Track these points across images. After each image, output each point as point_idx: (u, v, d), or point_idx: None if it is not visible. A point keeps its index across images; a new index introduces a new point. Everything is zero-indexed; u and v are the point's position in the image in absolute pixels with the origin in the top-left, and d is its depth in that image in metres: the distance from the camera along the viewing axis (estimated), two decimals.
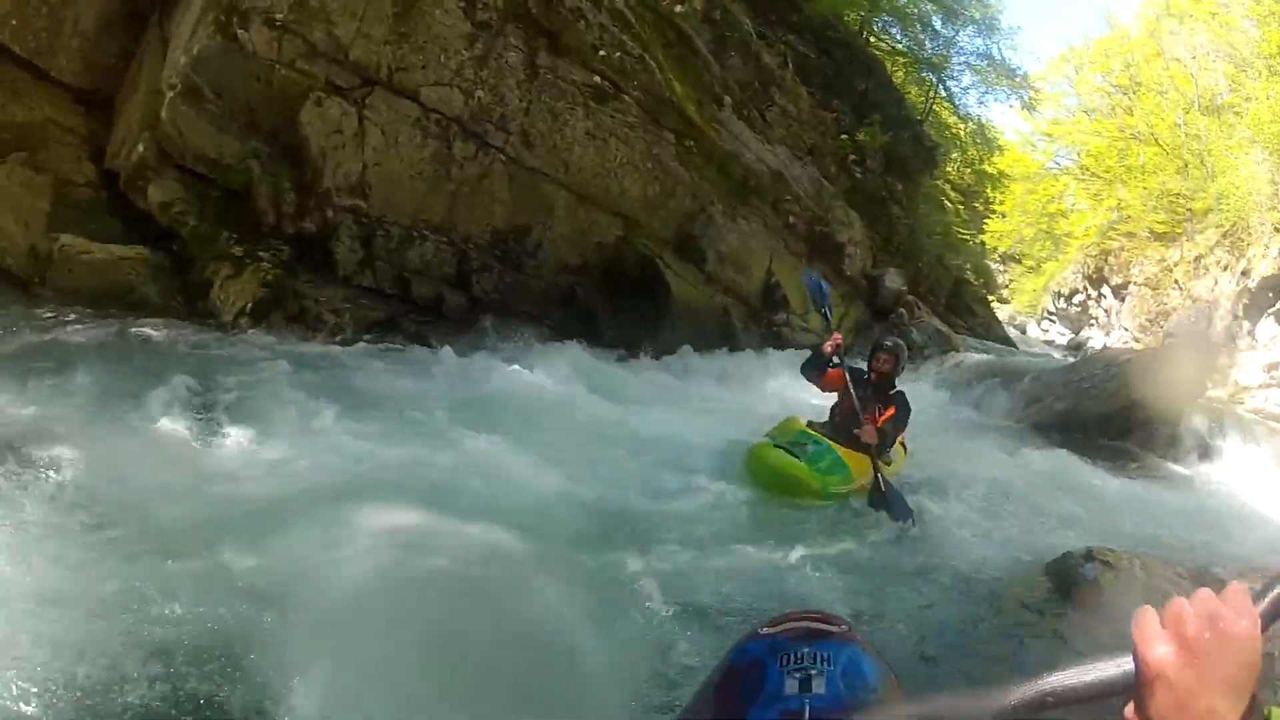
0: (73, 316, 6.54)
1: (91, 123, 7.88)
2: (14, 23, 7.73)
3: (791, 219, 11.92)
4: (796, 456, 4.71)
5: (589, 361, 7.69)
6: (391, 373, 6.35)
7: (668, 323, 8.79)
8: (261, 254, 7.24)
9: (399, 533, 3.17)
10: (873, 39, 21.18)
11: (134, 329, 6.43)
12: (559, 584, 2.96)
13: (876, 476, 4.76)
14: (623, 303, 8.48)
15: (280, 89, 7.28)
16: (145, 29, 8.04)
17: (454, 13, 7.83)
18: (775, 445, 4.84)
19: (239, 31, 7.04)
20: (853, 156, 15.67)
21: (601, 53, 8.68)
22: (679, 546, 3.82)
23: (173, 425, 4.32)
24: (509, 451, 4.58)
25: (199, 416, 4.55)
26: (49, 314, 6.55)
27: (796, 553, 3.92)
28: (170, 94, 7.11)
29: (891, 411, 4.96)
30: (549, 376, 6.82)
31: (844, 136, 15.50)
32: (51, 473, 3.44)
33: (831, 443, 4.88)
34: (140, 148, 7.29)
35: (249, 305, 6.95)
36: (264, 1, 7.11)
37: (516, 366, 6.90)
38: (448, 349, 7.00)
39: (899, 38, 22.42)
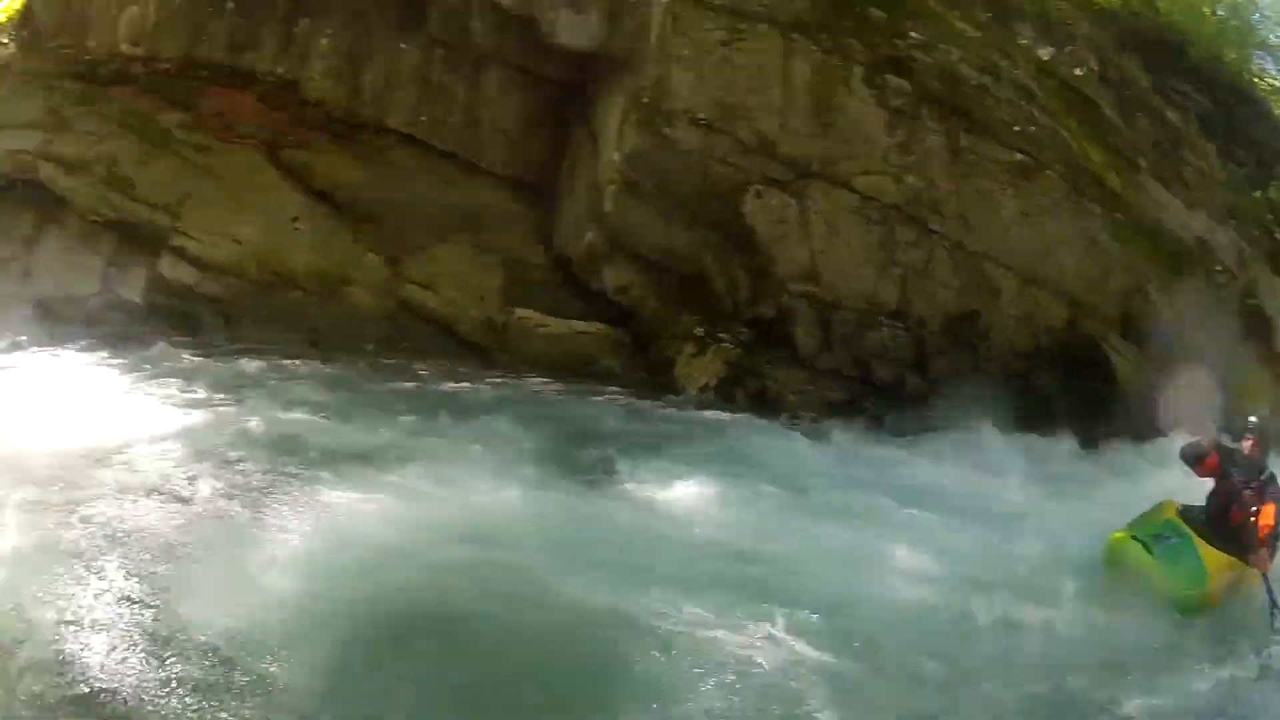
0: (529, 381, 7.61)
1: (533, 209, 9.13)
2: (423, 119, 9.44)
3: (1222, 292, 10.76)
4: (1150, 551, 4.26)
5: (1044, 449, 7.36)
6: (846, 455, 6.49)
7: (1118, 408, 8.19)
8: (722, 335, 7.90)
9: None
10: (1255, 79, 19.01)
11: (593, 396, 7.29)
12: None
13: (1269, 595, 4.15)
14: (1074, 386, 8.06)
15: (718, 182, 7.93)
16: (569, 125, 9.14)
17: (867, 101, 8.18)
18: (1132, 536, 4.48)
19: (665, 130, 7.80)
20: (1269, 215, 13.96)
21: (1016, 127, 8.59)
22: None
23: (633, 485, 4.94)
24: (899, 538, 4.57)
25: (648, 480, 5.06)
26: (502, 377, 7.65)
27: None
28: (610, 188, 7.98)
29: (1271, 509, 4.33)
30: (1002, 469, 6.56)
31: (1257, 194, 13.89)
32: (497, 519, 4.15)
33: (1196, 537, 4.32)
34: (589, 235, 8.26)
35: (713, 382, 7.54)
36: (684, 102, 7.82)
37: (967, 460, 6.72)
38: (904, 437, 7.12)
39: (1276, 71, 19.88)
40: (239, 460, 5.06)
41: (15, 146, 10.30)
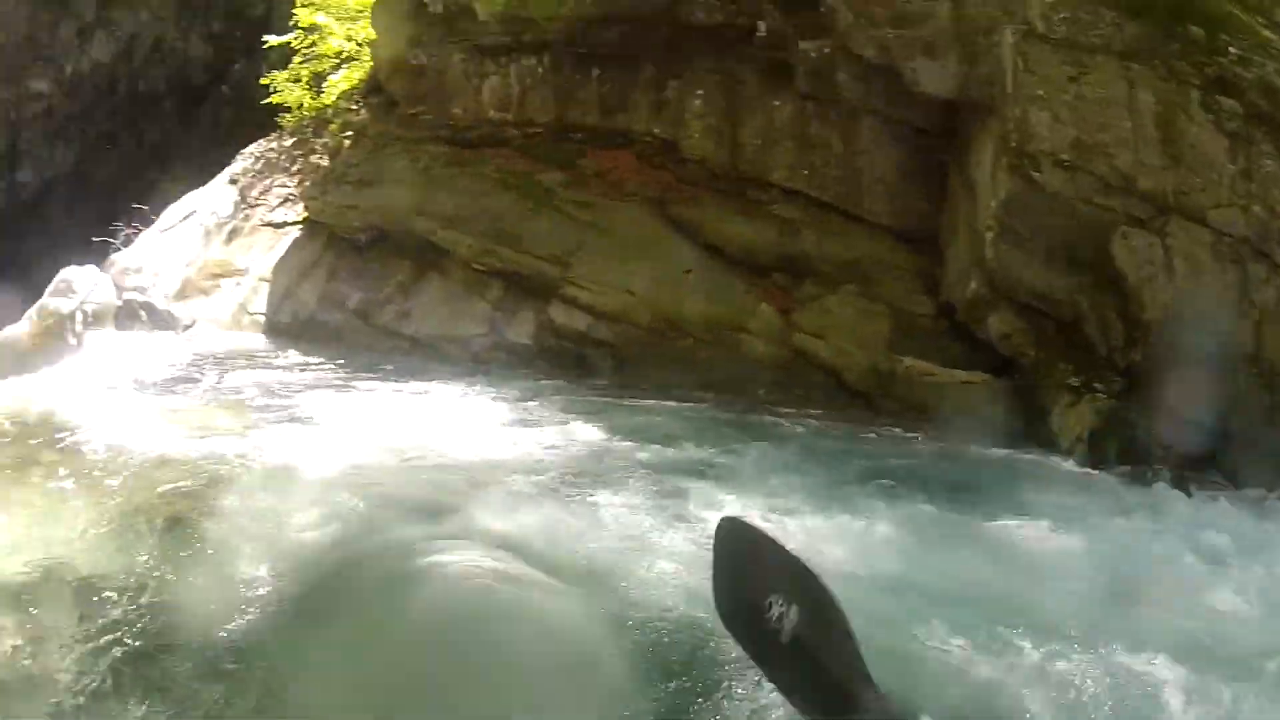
0: (910, 427, 7.76)
1: (918, 259, 9.25)
2: (805, 172, 9.75)
3: None
4: None
5: None
6: (1210, 511, 6.13)
7: None
8: (1096, 385, 7.58)
9: None
10: None
11: (972, 445, 7.24)
12: None
13: None
14: None
15: (1087, 224, 7.76)
16: (944, 174, 9.25)
17: (1205, 127, 7.81)
18: None
19: (1033, 174, 7.76)
20: None
21: None
22: None
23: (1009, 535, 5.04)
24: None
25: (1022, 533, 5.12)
26: (887, 423, 7.92)
27: None
28: (989, 235, 8.00)
29: None
30: None
31: None
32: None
33: None
34: (972, 284, 8.27)
35: (1085, 434, 7.23)
36: (1045, 143, 7.79)
37: None
38: None
39: None
40: (628, 489, 5.34)
41: (385, 203, 11.16)
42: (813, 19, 9.48)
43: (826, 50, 9.40)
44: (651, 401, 8.23)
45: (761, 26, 10.16)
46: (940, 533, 5.17)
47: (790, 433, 7.60)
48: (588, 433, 6.85)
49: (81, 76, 20.52)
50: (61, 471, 5.48)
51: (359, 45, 14.26)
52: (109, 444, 5.97)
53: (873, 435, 7.69)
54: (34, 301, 11.61)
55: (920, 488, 5.91)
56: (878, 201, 9.50)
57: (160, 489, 5.10)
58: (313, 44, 14.64)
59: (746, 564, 2.69)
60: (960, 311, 8.58)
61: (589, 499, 5.11)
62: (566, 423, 7.12)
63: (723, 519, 2.94)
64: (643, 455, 6.30)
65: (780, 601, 2.46)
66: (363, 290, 11.05)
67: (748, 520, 2.92)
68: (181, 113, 20.88)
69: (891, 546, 4.82)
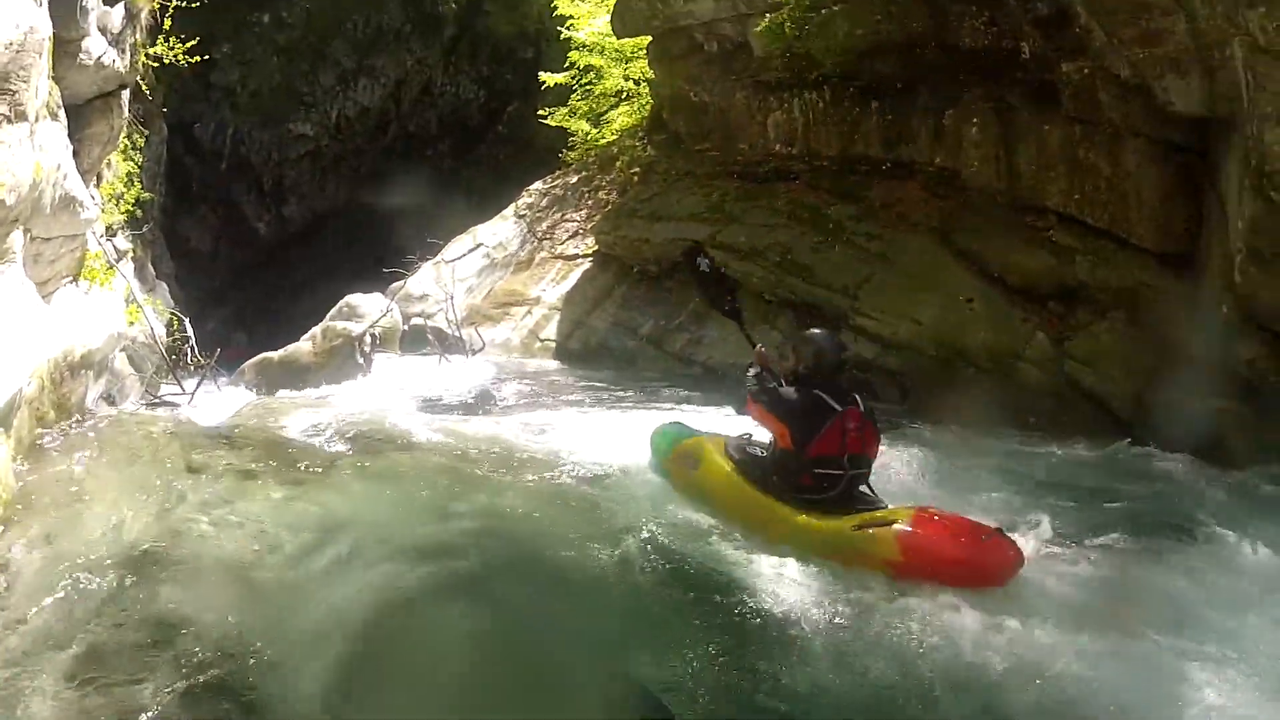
0: (1166, 458, 8.46)
1: (1181, 284, 10.02)
2: (1077, 196, 10.86)
3: None
4: None
5: None
6: None
7: None
8: None
9: None
10: None
11: (1216, 475, 7.97)
12: None
13: None
14: None
15: None
16: (1201, 195, 9.99)
17: None
18: None
19: (1271, 194, 8.22)
20: None
21: None
22: None
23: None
24: None
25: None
26: (1144, 451, 8.69)
27: None
28: (1237, 258, 8.64)
29: None
30: None
31: None
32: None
33: None
34: (1224, 309, 9.03)
35: None
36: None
37: None
38: None
39: None
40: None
41: (677, 235, 13.66)
42: (1072, 39, 10.54)
43: (1086, 71, 10.43)
44: (930, 430, 9.41)
45: (1025, 48, 11.52)
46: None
47: (1061, 461, 8.46)
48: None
49: (347, 120, 25.26)
50: (370, 466, 6.72)
51: (636, 84, 17.51)
52: (412, 447, 7.39)
53: (1136, 464, 8.40)
54: (306, 324, 14.63)
55: (1165, 509, 6.55)
56: (1144, 225, 10.40)
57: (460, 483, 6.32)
58: (589, 83, 18.10)
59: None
60: (1214, 337, 9.13)
61: None
62: None
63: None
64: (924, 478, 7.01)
65: None
66: (655, 318, 13.53)
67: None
68: (456, 152, 25.38)
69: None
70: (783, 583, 4.46)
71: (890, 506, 4.73)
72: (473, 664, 3.91)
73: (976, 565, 4.17)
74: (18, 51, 4.47)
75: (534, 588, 4.66)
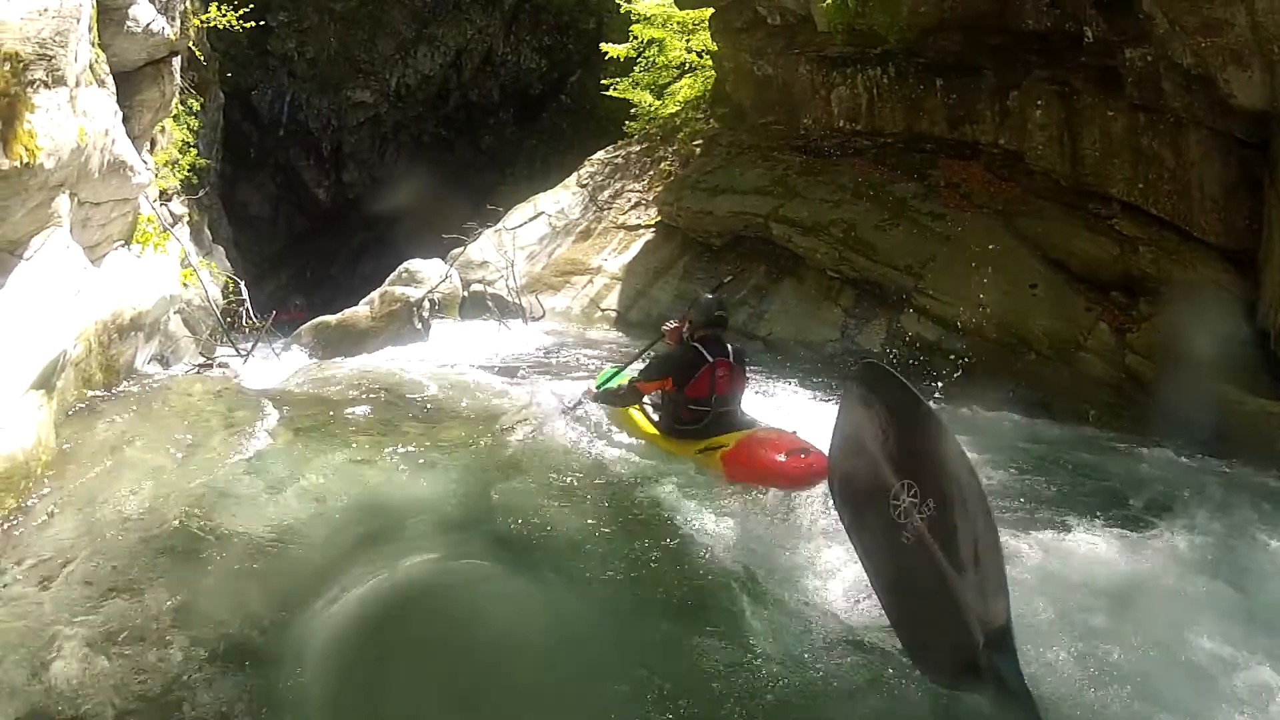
0: (1222, 461, 8.20)
1: (1241, 281, 9.98)
2: (1140, 185, 10.76)
3: None
4: None
5: None
6: None
7: None
8: None
9: None
10: None
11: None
12: None
13: None
14: None
15: None
16: (1263, 192, 9.92)
17: None
18: None
19: None
20: None
21: None
22: None
23: None
24: None
25: None
26: (1200, 451, 8.42)
27: None
28: None
29: None
30: None
31: None
32: None
33: None
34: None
35: None
36: None
37: None
38: None
39: None
40: None
41: (741, 209, 13.82)
42: (1135, 25, 10.06)
43: (1150, 58, 10.38)
44: (990, 415, 9.15)
45: (1088, 32, 11.48)
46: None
47: (1112, 456, 8.25)
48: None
49: (407, 88, 25.63)
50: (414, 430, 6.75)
51: (699, 56, 17.67)
52: (462, 415, 7.39)
53: (1199, 466, 8.14)
54: (365, 289, 14.77)
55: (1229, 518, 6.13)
56: (1206, 218, 10.34)
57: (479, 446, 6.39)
58: (651, 55, 18.25)
59: (885, 429, 2.57)
60: (1272, 339, 9.21)
61: None
62: None
63: (865, 364, 2.87)
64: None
65: (913, 490, 2.37)
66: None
67: (900, 377, 2.66)
68: (519, 121, 25.71)
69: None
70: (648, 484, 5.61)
71: (753, 429, 5.68)
72: (497, 639, 4.00)
73: (775, 474, 5.18)
74: (54, 18, 4.53)
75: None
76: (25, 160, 4.28)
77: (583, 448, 6.38)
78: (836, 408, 2.84)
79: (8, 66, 4.15)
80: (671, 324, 6.69)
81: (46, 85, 4.47)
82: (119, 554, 4.41)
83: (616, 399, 6.45)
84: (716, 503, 5.32)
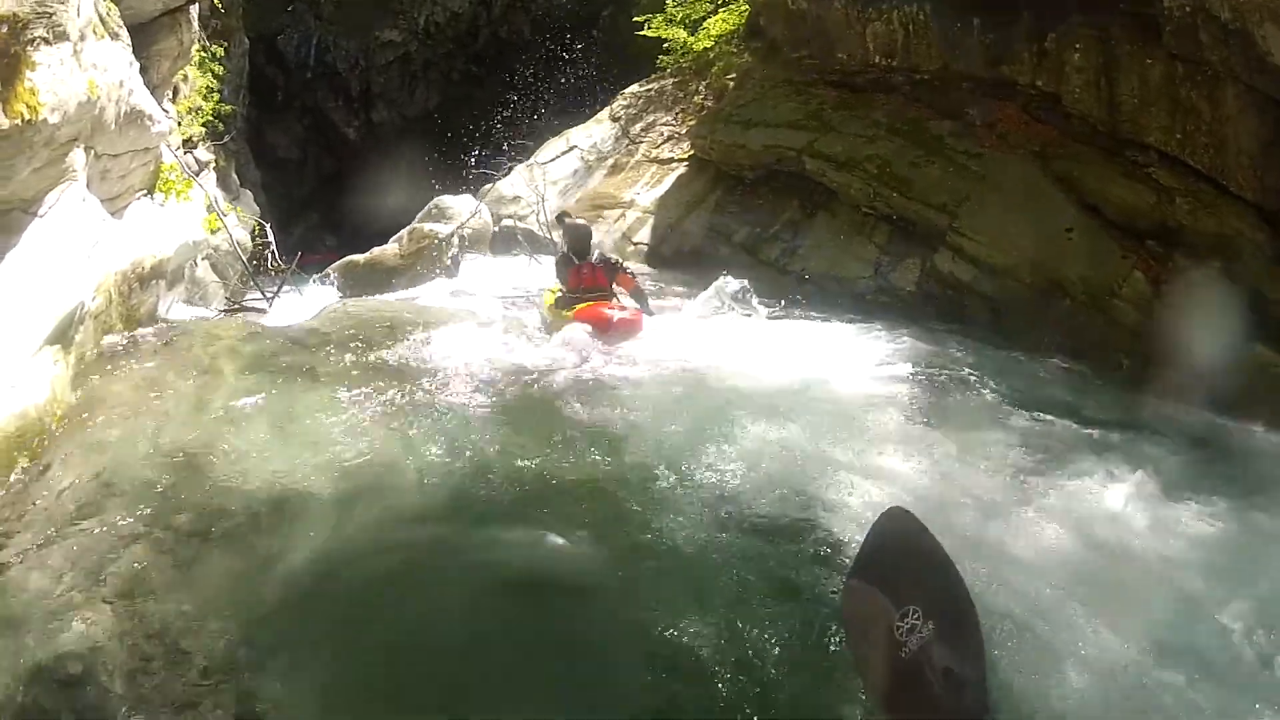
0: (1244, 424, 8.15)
1: (1276, 240, 9.81)
2: (1178, 136, 10.57)
3: None
4: None
5: None
6: None
7: None
8: None
9: None
10: None
11: None
12: None
13: None
14: None
15: None
16: None
17: None
18: None
19: None
20: None
21: None
22: None
23: None
24: None
25: None
26: (1233, 413, 8.34)
27: None
28: None
29: None
30: None
31: None
32: None
33: None
34: None
35: None
36: None
37: None
38: None
39: None
40: (988, 445, 6.14)
41: (774, 142, 13.84)
42: None
43: (1188, 9, 10.05)
44: (1021, 359, 9.30)
45: None
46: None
47: (1146, 410, 8.22)
48: (944, 380, 7.86)
49: (436, 25, 25.61)
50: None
51: None
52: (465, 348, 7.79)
53: (1226, 426, 8.10)
54: (396, 228, 15.06)
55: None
56: (1243, 174, 10.07)
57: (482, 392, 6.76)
58: None
59: (898, 561, 3.05)
60: None
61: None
62: (923, 369, 8.13)
63: (891, 508, 3.30)
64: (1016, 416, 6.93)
65: (917, 614, 2.76)
66: (750, 225, 13.78)
67: (918, 522, 3.14)
68: (551, 57, 25.64)
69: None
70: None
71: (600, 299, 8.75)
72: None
73: (594, 319, 8.32)
74: None
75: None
76: (27, 118, 4.31)
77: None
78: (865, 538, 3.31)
79: (4, 27, 4.17)
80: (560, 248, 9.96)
81: (47, 42, 4.51)
82: (129, 509, 4.50)
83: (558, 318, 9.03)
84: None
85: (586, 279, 9.08)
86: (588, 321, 8.35)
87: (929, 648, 2.70)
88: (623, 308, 8.66)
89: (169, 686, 3.30)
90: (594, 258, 9.23)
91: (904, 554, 3.05)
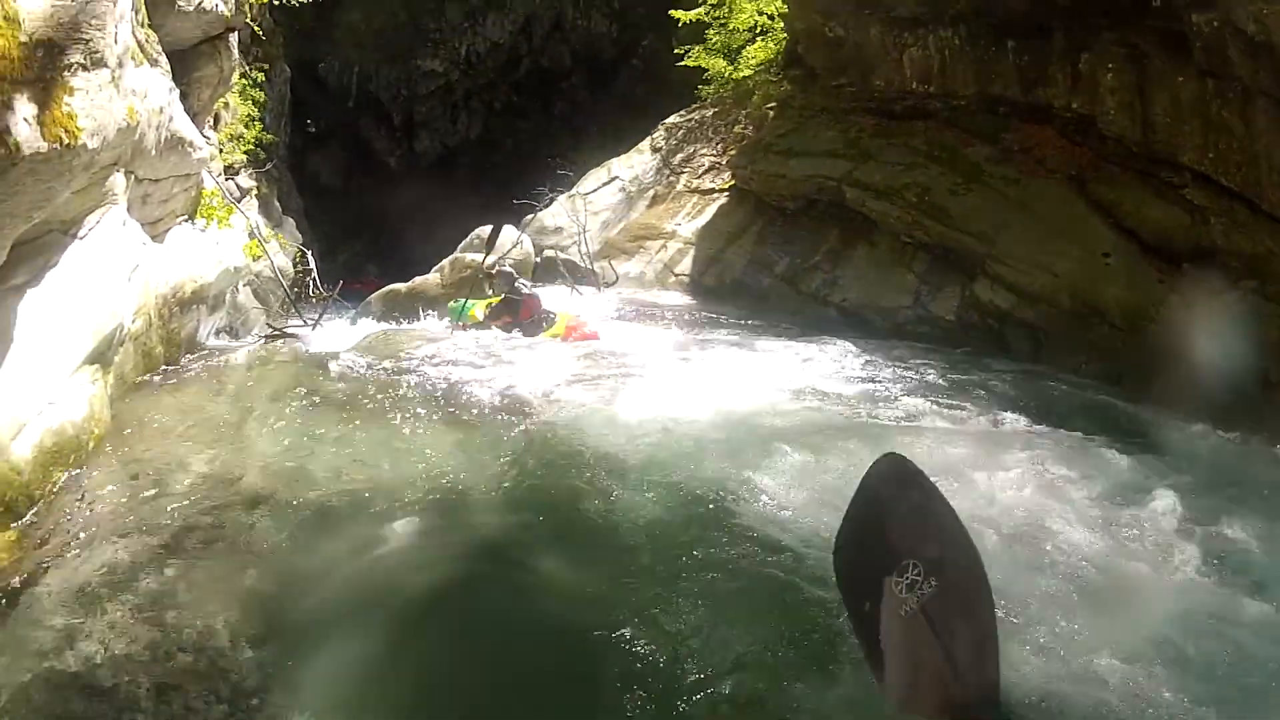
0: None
1: None
2: (1210, 155, 10.60)
3: None
4: None
5: None
6: None
7: None
8: None
9: None
10: None
11: None
12: None
13: None
14: None
15: None
16: None
17: None
18: None
19: None
20: None
21: None
22: None
23: None
24: None
25: None
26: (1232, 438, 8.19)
27: None
28: None
29: None
30: None
31: None
32: None
33: None
34: None
35: None
36: None
37: None
38: None
39: None
40: (1023, 476, 6.03)
41: (814, 172, 14.18)
42: None
43: (1216, 24, 10.07)
44: (1062, 389, 9.24)
45: None
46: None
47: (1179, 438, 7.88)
48: (987, 409, 7.86)
49: (477, 55, 26.25)
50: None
51: (770, 19, 17.99)
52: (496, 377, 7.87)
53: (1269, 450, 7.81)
54: (438, 257, 15.37)
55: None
56: (1275, 191, 9.99)
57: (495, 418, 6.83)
58: (723, 19, 18.66)
59: (896, 513, 2.79)
60: None
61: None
62: (964, 400, 8.14)
63: (887, 454, 3.06)
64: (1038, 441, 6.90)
65: (918, 569, 2.54)
66: (791, 255, 14.13)
67: (915, 466, 2.91)
68: (591, 86, 26.29)
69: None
70: None
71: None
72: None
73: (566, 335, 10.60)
74: (87, 1, 4.62)
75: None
76: (65, 141, 4.39)
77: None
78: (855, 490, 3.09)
79: (40, 52, 4.24)
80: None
81: (85, 68, 4.57)
82: (162, 526, 4.63)
83: (480, 325, 11.20)
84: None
85: (524, 314, 11.18)
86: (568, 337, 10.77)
87: (933, 606, 2.44)
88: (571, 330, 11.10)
89: (196, 703, 3.33)
90: (526, 290, 11.45)
91: (900, 504, 2.78)
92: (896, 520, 2.77)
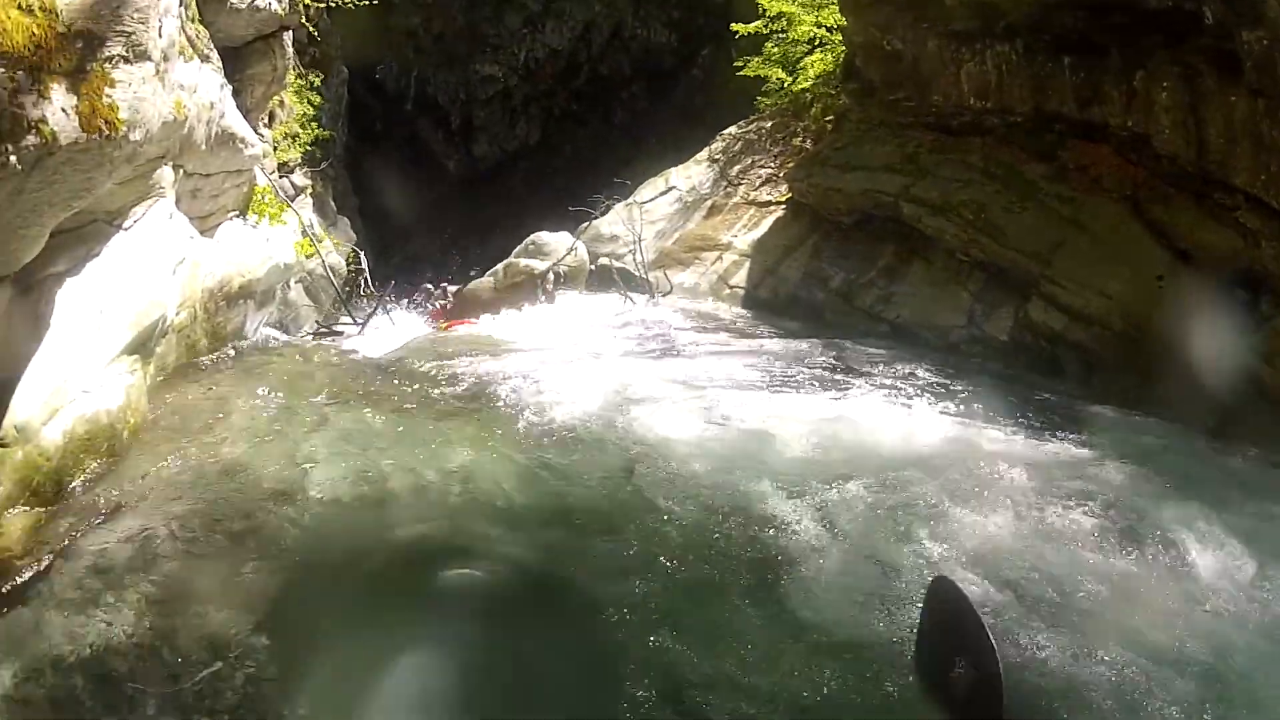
0: None
1: None
2: (1263, 177, 10.47)
3: None
4: None
5: None
6: None
7: None
8: None
9: None
10: None
11: None
12: None
13: None
14: None
15: None
16: None
17: None
18: None
19: None
20: None
21: None
22: None
23: None
24: None
25: None
26: None
27: None
28: None
29: None
30: None
31: None
32: None
33: None
34: None
35: None
36: None
37: None
38: None
39: None
40: (1073, 502, 6.38)
41: (871, 186, 14.50)
42: (1250, 6, 9.86)
43: (1266, 42, 10.07)
44: (1112, 415, 9.45)
45: (1207, 13, 11.05)
46: None
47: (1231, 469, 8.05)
48: (1029, 436, 8.09)
49: (536, 61, 26.88)
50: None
51: (828, 31, 18.29)
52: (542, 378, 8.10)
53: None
54: (494, 261, 16.16)
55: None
56: None
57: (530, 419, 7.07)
58: (782, 30, 19.00)
59: (950, 624, 4.10)
60: None
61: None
62: (1009, 425, 8.39)
63: (937, 577, 4.38)
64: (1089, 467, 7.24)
65: (962, 664, 3.90)
66: (846, 271, 14.42)
67: (956, 584, 4.25)
68: (650, 95, 26.83)
69: None
70: None
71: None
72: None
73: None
74: None
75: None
76: (106, 133, 4.34)
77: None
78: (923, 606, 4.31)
79: (79, 43, 4.20)
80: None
81: (126, 60, 4.51)
82: (188, 522, 4.82)
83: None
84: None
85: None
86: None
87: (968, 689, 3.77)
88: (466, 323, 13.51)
89: (207, 690, 3.50)
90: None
91: (954, 617, 4.14)
92: (950, 632, 4.08)
